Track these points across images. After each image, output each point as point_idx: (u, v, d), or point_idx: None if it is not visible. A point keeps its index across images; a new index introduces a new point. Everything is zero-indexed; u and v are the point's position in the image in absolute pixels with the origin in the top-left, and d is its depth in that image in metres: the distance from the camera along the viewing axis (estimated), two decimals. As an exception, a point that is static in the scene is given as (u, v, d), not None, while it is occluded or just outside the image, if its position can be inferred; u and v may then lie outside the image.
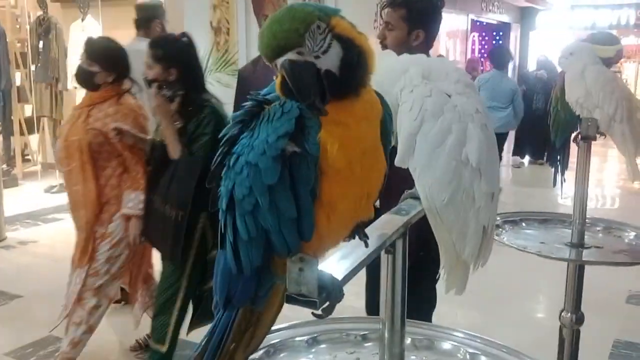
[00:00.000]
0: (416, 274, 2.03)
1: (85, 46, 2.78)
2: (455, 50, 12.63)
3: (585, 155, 2.06)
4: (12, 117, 7.12)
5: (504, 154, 9.63)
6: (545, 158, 8.49)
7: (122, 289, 3.12)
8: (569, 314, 2.15)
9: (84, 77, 2.74)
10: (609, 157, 9.27)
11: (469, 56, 12.60)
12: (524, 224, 2.28)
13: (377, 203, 0.91)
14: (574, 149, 2.24)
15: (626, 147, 2.07)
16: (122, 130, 2.61)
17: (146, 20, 3.84)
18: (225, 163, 0.77)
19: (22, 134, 7.30)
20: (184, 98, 2.43)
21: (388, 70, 1.11)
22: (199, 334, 2.54)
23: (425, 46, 2.08)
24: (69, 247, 2.83)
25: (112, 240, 2.69)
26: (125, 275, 2.88)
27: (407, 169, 1.07)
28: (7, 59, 6.71)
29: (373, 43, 0.81)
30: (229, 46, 6.36)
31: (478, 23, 14.96)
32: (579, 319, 2.15)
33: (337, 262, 0.81)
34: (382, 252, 0.95)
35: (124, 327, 3.02)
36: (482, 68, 10.16)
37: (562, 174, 2.40)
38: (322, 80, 0.71)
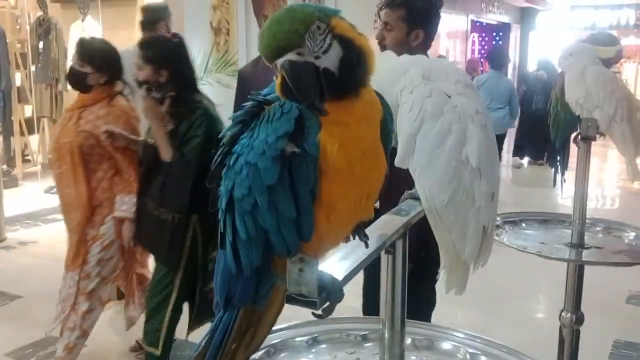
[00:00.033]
0: (416, 274, 2.03)
1: (78, 47, 2.76)
2: (455, 50, 12.63)
3: (585, 156, 2.06)
4: (12, 118, 7.13)
5: (504, 154, 9.64)
6: (545, 158, 8.49)
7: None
8: (569, 314, 2.15)
9: (76, 78, 2.72)
10: (608, 157, 9.27)
11: (469, 57, 12.61)
12: (524, 224, 2.28)
13: (377, 204, 0.91)
14: (573, 149, 2.24)
15: (626, 148, 2.07)
16: (114, 133, 2.58)
17: (152, 21, 3.86)
18: (225, 163, 0.77)
19: (22, 134, 7.30)
20: (175, 99, 2.40)
21: (388, 71, 1.11)
22: (199, 334, 2.55)
23: (424, 46, 2.08)
24: (69, 248, 2.83)
25: (103, 242, 2.68)
26: (120, 279, 2.87)
27: (407, 169, 1.08)
28: (7, 60, 6.71)
29: (373, 44, 0.81)
30: (229, 47, 6.36)
31: (478, 23, 14.96)
32: (579, 319, 2.15)
33: (337, 263, 0.81)
34: (382, 253, 0.96)
35: (124, 327, 3.02)
36: (482, 68, 10.17)
37: (562, 174, 2.40)
38: (322, 80, 0.71)
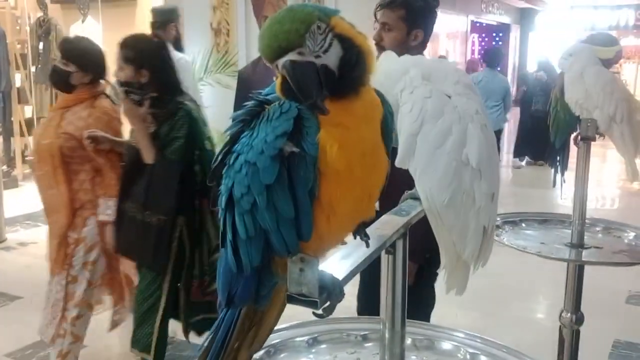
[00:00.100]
0: (417, 274, 2.04)
1: (61, 45, 2.70)
2: (455, 51, 12.64)
3: (584, 156, 2.06)
4: (13, 119, 7.13)
5: (504, 154, 9.64)
6: (545, 159, 8.49)
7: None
8: (569, 314, 2.15)
9: (58, 78, 2.64)
10: (608, 158, 9.28)
11: (468, 57, 12.63)
12: (523, 225, 2.28)
13: (377, 204, 0.91)
14: (573, 149, 2.24)
15: (626, 148, 2.08)
16: (97, 137, 2.51)
17: (162, 23, 3.94)
18: (226, 161, 0.78)
19: (22, 135, 7.30)
20: (156, 100, 2.36)
21: (388, 71, 1.11)
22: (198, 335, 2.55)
23: (422, 46, 2.08)
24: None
25: (86, 244, 2.63)
26: (106, 283, 2.80)
27: (407, 169, 1.08)
28: (7, 61, 6.72)
29: (372, 44, 0.81)
30: (229, 47, 6.37)
31: (478, 24, 14.98)
32: (579, 319, 2.15)
33: (338, 262, 0.81)
34: (383, 253, 0.96)
35: (125, 327, 3.02)
36: (481, 69, 10.18)
37: (562, 174, 2.40)
38: (322, 79, 0.71)
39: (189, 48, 4.17)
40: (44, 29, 6.84)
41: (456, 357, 1.22)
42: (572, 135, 2.25)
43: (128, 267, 2.79)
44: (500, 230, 2.16)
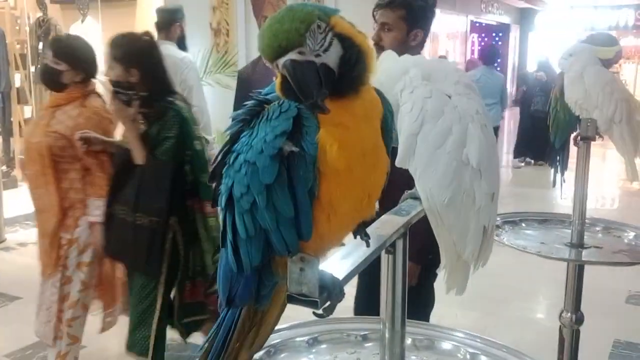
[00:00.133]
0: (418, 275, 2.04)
1: (52, 44, 2.65)
2: (455, 51, 12.64)
3: (584, 156, 2.07)
4: (12, 119, 7.13)
5: (504, 154, 9.65)
6: (544, 159, 8.50)
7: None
8: (569, 314, 2.15)
9: (49, 76, 2.59)
10: (608, 158, 9.28)
11: (468, 57, 12.62)
12: (523, 225, 2.28)
13: (377, 204, 0.91)
14: (573, 149, 2.24)
15: (625, 148, 2.08)
16: (89, 138, 2.46)
17: (166, 23, 3.97)
18: (226, 161, 0.78)
19: (21, 135, 7.30)
20: (146, 100, 2.32)
21: (389, 71, 1.11)
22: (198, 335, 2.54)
23: (421, 46, 2.08)
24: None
25: (79, 245, 2.59)
26: (98, 284, 2.75)
27: (408, 169, 1.08)
28: (7, 61, 6.72)
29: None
30: (229, 47, 6.37)
31: (477, 24, 14.98)
32: (579, 319, 2.15)
33: (338, 262, 0.81)
34: (383, 252, 0.96)
35: (125, 327, 3.02)
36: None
37: (562, 174, 2.40)
38: (322, 78, 0.71)
39: (189, 48, 4.17)
40: (43, 29, 6.84)
41: (456, 357, 1.22)
42: (572, 135, 2.25)
43: (119, 269, 2.76)
44: (500, 230, 2.16)
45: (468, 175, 1.04)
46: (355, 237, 0.85)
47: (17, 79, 7.37)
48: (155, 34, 3.99)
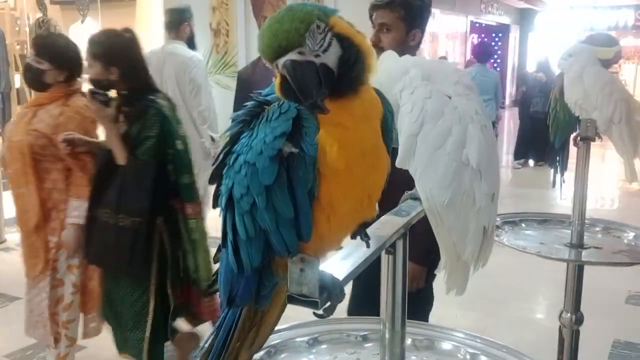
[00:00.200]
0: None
1: (35, 42, 2.59)
2: (454, 51, 12.65)
3: (584, 156, 2.07)
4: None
5: (503, 155, 9.65)
6: (544, 159, 8.50)
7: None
8: (569, 314, 2.16)
9: (32, 76, 2.53)
10: (607, 158, 9.29)
11: (468, 57, 12.62)
12: (523, 225, 2.29)
13: (377, 205, 0.91)
14: (573, 149, 2.25)
15: (625, 149, 2.08)
16: (73, 139, 2.40)
17: (176, 23, 4.04)
18: (226, 162, 0.78)
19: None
20: (127, 98, 2.28)
21: (389, 71, 1.11)
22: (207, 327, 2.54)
23: (418, 46, 2.08)
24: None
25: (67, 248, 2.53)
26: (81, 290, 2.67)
27: (408, 170, 1.08)
28: (7, 62, 6.72)
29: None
30: (229, 48, 6.36)
31: (477, 24, 15.00)
32: (579, 319, 2.15)
33: (338, 263, 0.81)
34: (383, 253, 0.96)
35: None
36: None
37: (562, 174, 2.40)
38: (322, 78, 0.71)
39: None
40: (43, 29, 6.84)
41: (456, 357, 1.22)
42: (572, 136, 2.26)
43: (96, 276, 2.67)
44: (500, 230, 2.17)
45: (468, 175, 1.04)
46: (355, 238, 0.85)
47: (17, 80, 7.37)
48: (166, 33, 4.09)
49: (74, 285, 2.59)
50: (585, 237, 2.10)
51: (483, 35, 15.96)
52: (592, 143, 2.08)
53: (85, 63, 2.49)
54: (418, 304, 2.06)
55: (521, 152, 9.02)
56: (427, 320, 2.12)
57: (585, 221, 2.11)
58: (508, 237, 2.11)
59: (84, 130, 2.47)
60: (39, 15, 6.98)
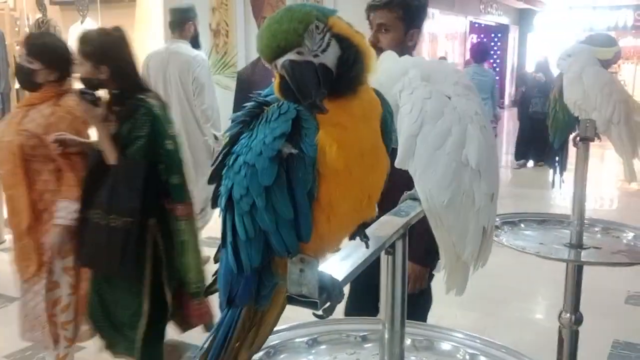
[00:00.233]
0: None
1: (26, 42, 2.57)
2: (454, 52, 12.65)
3: (583, 156, 2.07)
4: (11, 120, 7.11)
5: (503, 155, 9.65)
6: (544, 159, 8.50)
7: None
8: (568, 315, 2.16)
9: (24, 76, 2.51)
10: (607, 158, 9.29)
11: (467, 58, 12.63)
12: (522, 225, 2.29)
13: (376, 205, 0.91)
14: (572, 150, 2.25)
15: (624, 149, 2.08)
16: (65, 140, 2.38)
17: (180, 22, 4.06)
18: (225, 162, 0.78)
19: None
20: (117, 98, 2.26)
21: (388, 71, 1.11)
22: (195, 335, 2.53)
23: (415, 46, 2.08)
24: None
25: (61, 250, 2.50)
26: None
27: (407, 170, 1.08)
28: (7, 62, 6.71)
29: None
30: (228, 48, 6.37)
31: (476, 25, 15.00)
32: (578, 320, 2.15)
33: (338, 263, 0.81)
34: (382, 253, 0.96)
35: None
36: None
37: (561, 175, 2.40)
38: (320, 79, 0.71)
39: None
40: (43, 30, 6.84)
41: (455, 358, 1.22)
42: (571, 136, 2.26)
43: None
44: (500, 230, 2.17)
45: (467, 176, 1.04)
46: (354, 239, 0.85)
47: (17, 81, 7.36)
48: (170, 32, 4.11)
49: (71, 287, 2.58)
50: (584, 237, 2.10)
51: (482, 36, 15.97)
52: (591, 143, 2.08)
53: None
54: (417, 304, 2.06)
55: (521, 153, 9.03)
56: (425, 320, 2.12)
57: (585, 221, 2.11)
58: (507, 238, 2.12)
59: (75, 130, 2.45)
60: (39, 15, 6.98)
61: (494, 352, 1.21)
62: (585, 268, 2.14)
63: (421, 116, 1.05)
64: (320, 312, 0.74)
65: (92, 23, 6.52)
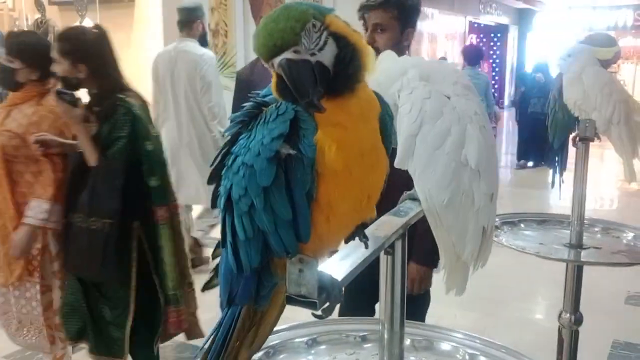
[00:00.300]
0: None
1: (5, 41, 2.51)
2: (453, 52, 12.65)
3: (583, 156, 2.07)
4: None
5: (503, 155, 9.65)
6: (543, 159, 8.50)
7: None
8: (568, 315, 2.16)
9: (4, 75, 2.45)
10: (607, 158, 9.30)
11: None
12: (522, 225, 2.29)
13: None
14: (572, 150, 2.25)
15: (624, 149, 2.08)
16: (46, 141, 2.33)
17: (188, 21, 4.11)
18: (224, 163, 0.78)
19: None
20: (97, 98, 2.22)
21: (387, 71, 1.11)
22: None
23: (409, 45, 2.08)
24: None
25: (50, 253, 2.47)
26: None
27: (407, 170, 1.08)
28: (6, 62, 6.70)
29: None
30: (227, 48, 6.37)
31: (476, 25, 15.01)
32: (578, 320, 2.15)
33: (337, 263, 0.81)
34: (382, 253, 0.96)
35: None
36: (479, 69, 10.22)
37: (561, 175, 2.40)
38: (318, 77, 0.71)
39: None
40: (41, 30, 6.82)
41: (455, 358, 1.22)
42: (571, 136, 2.26)
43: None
44: (499, 230, 2.17)
45: (467, 176, 1.04)
46: (353, 239, 0.84)
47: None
48: (178, 31, 4.12)
49: (61, 289, 2.53)
50: (584, 238, 2.10)
51: (482, 36, 15.98)
52: (591, 143, 2.08)
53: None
54: (416, 304, 2.06)
55: (521, 153, 9.03)
56: (424, 320, 2.12)
57: (585, 221, 2.11)
58: (507, 238, 2.11)
59: (57, 130, 2.41)
60: (38, 16, 6.97)
61: (494, 352, 1.21)
62: (585, 268, 2.14)
63: (420, 116, 1.05)
64: (319, 312, 0.74)
65: (90, 24, 6.52)
